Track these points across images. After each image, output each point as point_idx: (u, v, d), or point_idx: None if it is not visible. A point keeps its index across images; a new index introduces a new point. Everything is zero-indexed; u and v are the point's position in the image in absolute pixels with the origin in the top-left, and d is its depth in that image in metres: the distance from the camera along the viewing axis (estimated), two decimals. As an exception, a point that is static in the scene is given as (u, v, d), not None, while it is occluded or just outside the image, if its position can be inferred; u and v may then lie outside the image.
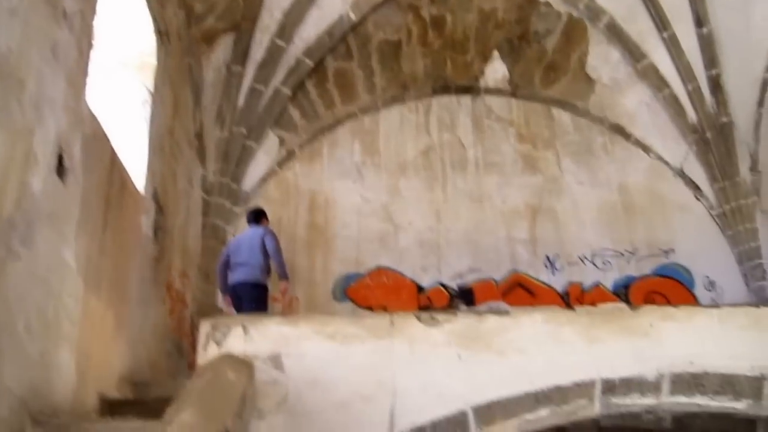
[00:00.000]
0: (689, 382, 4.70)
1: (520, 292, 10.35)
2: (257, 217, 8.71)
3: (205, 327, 4.83)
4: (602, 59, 11.27)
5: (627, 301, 10.18)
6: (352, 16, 10.63)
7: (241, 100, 10.24)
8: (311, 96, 11.12)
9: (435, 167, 11.29)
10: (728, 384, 4.69)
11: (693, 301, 10.22)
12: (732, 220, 10.48)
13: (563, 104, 11.78)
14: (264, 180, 10.80)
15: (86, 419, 5.46)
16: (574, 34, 11.15)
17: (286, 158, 11.09)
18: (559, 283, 10.54)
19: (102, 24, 6.52)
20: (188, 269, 9.26)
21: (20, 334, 4.45)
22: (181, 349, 8.78)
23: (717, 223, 10.70)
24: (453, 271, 10.57)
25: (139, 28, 7.49)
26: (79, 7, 5.60)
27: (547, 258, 10.72)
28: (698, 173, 10.91)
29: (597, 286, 10.48)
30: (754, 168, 10.26)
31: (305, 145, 11.25)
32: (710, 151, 10.62)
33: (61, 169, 5.23)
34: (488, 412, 4.52)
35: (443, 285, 10.50)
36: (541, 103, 11.82)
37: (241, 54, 10.02)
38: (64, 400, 5.29)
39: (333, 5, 10.46)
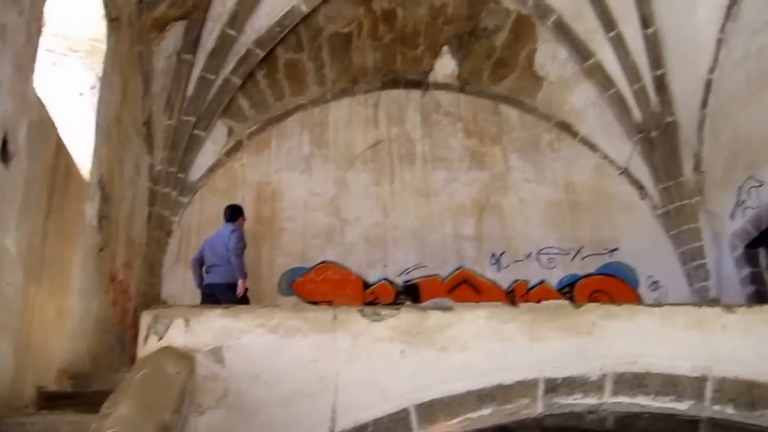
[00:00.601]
0: (632, 382, 4.67)
1: (466, 288, 10.40)
2: (232, 214, 8.79)
3: (146, 318, 4.68)
4: (550, 57, 11.37)
5: (572, 299, 10.23)
6: (304, 8, 10.53)
7: (190, 89, 10.14)
8: (261, 86, 11.04)
9: (383, 161, 11.30)
10: (670, 384, 4.68)
11: (637, 300, 10.38)
12: (676, 219, 10.61)
13: (511, 101, 11.86)
14: (211, 170, 10.73)
15: (23, 412, 5.34)
16: (522, 31, 11.21)
17: (234, 148, 11.01)
18: (504, 280, 10.60)
19: (52, 8, 6.38)
20: (133, 260, 9.15)
21: (-44, 322, 4.33)
22: (123, 342, 8.64)
23: (661, 223, 10.83)
24: (399, 267, 10.59)
25: (89, 13, 7.37)
26: (29, -9, 5.48)
27: (493, 255, 10.78)
28: (643, 172, 11.04)
29: (542, 283, 10.58)
30: (697, 168, 10.35)
31: (254, 136, 11.18)
32: (655, 150, 10.75)
33: (4, 153, 5.13)
34: (430, 410, 4.47)
35: (389, 281, 10.52)
36: (489, 99, 11.89)
37: (191, 42, 9.89)
38: (1, 392, 5.16)
39: (285, -4, 10.37)
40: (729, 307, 5.00)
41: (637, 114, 10.80)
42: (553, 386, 4.64)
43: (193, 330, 4.62)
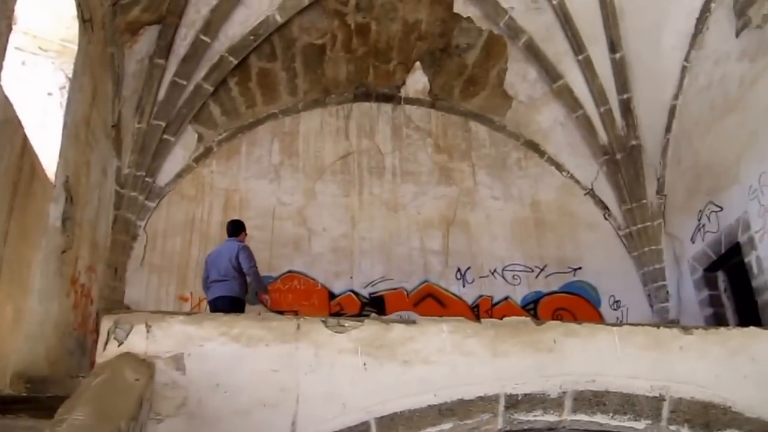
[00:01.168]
0: (591, 400, 4.73)
1: (431, 302, 10.44)
2: (235, 229, 8.70)
3: (106, 323, 4.62)
4: (520, 77, 11.50)
5: (536, 316, 10.35)
6: (278, 18, 10.51)
7: (161, 93, 10.10)
8: (233, 93, 11.02)
9: (352, 173, 11.34)
10: (628, 403, 4.75)
11: (599, 319, 10.48)
12: (638, 241, 10.78)
13: (480, 118, 12.01)
14: (179, 175, 10.69)
15: (-26, 416, 5.23)
16: (494, 50, 11.33)
17: (204, 154, 10.99)
18: (469, 295, 10.66)
19: (23, 6, 6.31)
20: (96, 263, 9.02)
21: None
22: (84, 347, 8.51)
23: (624, 244, 11.00)
24: (365, 279, 10.60)
25: (61, 13, 7.26)
26: (0, -11, 5.40)
27: (459, 270, 10.85)
28: (607, 193, 11.22)
29: (506, 300, 10.66)
30: (660, 191, 10.53)
31: (224, 143, 11.17)
32: (619, 172, 10.92)
33: (-32, 152, 5.04)
34: (391, 423, 4.48)
35: (355, 292, 10.52)
36: (459, 116, 12.04)
37: (164, 47, 9.85)
38: (-48, 395, 5.06)
39: (260, 5, 10.35)
40: (686, 329, 5.11)
41: (603, 136, 10.97)
42: (514, 402, 4.68)
43: (154, 336, 4.58)
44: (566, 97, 11.09)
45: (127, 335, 4.57)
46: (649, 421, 4.75)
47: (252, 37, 10.52)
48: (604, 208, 11.27)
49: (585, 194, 11.48)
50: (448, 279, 10.76)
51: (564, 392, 4.72)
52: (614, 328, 5.09)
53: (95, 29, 7.97)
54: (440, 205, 11.31)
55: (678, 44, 9.66)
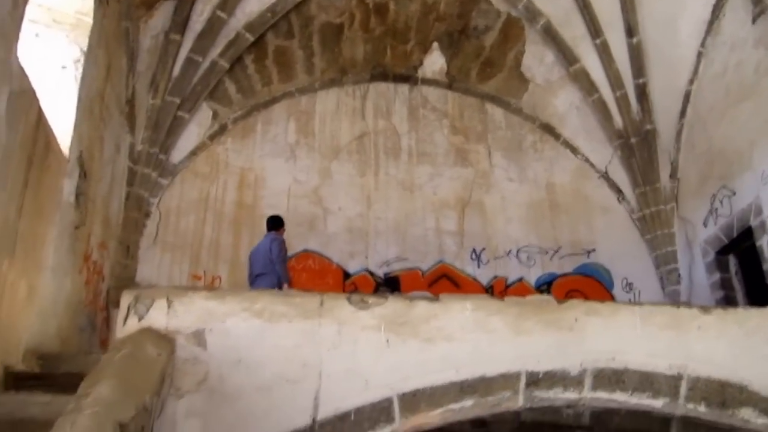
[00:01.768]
0: (611, 378, 4.71)
1: (445, 283, 10.40)
2: (274, 224, 8.75)
3: (127, 298, 4.55)
4: (537, 60, 11.45)
5: (549, 297, 10.31)
6: (297, -4, 10.44)
7: (176, 70, 10.04)
8: (249, 71, 10.95)
9: (368, 153, 11.29)
10: (647, 381, 4.73)
11: (611, 301, 10.42)
12: (651, 224, 10.79)
13: (497, 100, 11.97)
14: (193, 153, 10.63)
15: (-7, 391, 5.21)
16: (511, 32, 11.27)
17: (218, 132, 10.93)
18: (484, 276, 10.65)
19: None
20: (108, 240, 8.98)
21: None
22: (94, 325, 8.47)
23: (637, 227, 11.00)
24: (380, 259, 10.59)
25: (78, -14, 7.19)
26: (17, -41, 5.34)
27: (474, 251, 10.83)
28: (621, 177, 11.20)
29: (521, 281, 10.65)
30: (673, 176, 10.57)
31: (239, 120, 11.11)
32: (634, 156, 10.91)
33: (-16, 122, 4.99)
34: (413, 400, 4.44)
35: (370, 272, 10.51)
36: (475, 98, 11.98)
37: (180, 22, 9.78)
38: (-36, 370, 5.03)
39: (278, -18, 10.27)
40: (705, 309, 5.09)
41: (618, 120, 10.94)
42: (535, 380, 4.65)
43: (175, 311, 4.52)
44: (583, 80, 11.04)
45: (148, 310, 4.51)
46: (667, 399, 4.74)
47: (269, 14, 10.46)
48: (618, 191, 11.26)
49: (599, 177, 11.45)
50: (463, 260, 10.74)
51: (584, 370, 4.70)
52: (635, 307, 5.05)
53: (110, 2, 7.90)
54: (456, 186, 11.28)
55: (694, 30, 9.66)
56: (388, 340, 4.57)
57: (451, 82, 11.92)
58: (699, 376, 4.77)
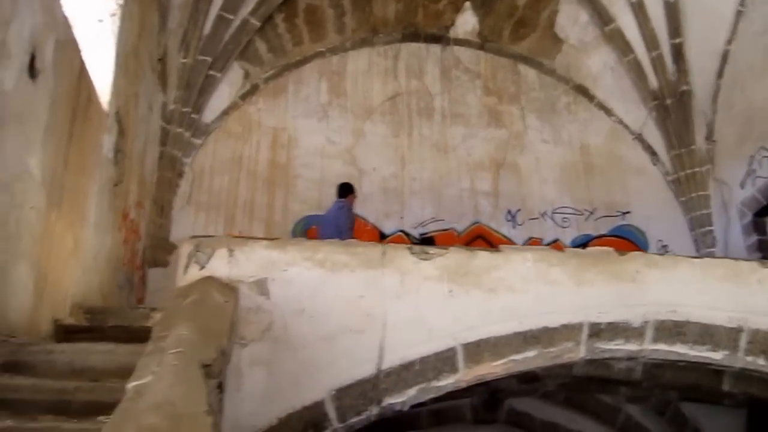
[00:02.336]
0: (671, 330, 4.66)
1: (481, 243, 10.28)
2: (343, 191, 8.80)
3: (187, 247, 4.51)
4: (571, 19, 11.30)
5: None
6: (328, -48, 10.31)
7: (207, 27, 9.92)
8: (279, 30, 10.83)
9: (401, 113, 11.19)
10: (707, 334, 4.69)
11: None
12: (686, 186, 10.71)
13: (530, 61, 11.83)
14: (225, 113, 10.56)
15: (47, 341, 5.22)
16: (545, -9, 11.10)
17: (250, 92, 10.84)
18: (519, 237, 10.59)
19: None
20: (143, 199, 8.96)
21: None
22: (132, 284, 8.50)
23: (671, 189, 10.93)
24: (415, 220, 10.53)
25: (113, -61, 7.08)
26: None
27: (509, 212, 10.78)
28: (656, 139, 11.09)
29: (556, 242, 10.52)
30: (709, 137, 10.44)
31: (270, 80, 11.00)
32: (669, 118, 10.78)
33: (32, 69, 4.97)
34: (477, 350, 4.41)
35: (405, 232, 10.45)
36: (508, 58, 11.84)
37: (211, -22, 9.63)
38: (19, 321, 5.04)
39: (310, -62, 10.13)
40: (764, 263, 5.04)
41: (653, 81, 10.79)
42: (597, 331, 4.60)
43: (236, 260, 4.48)
44: (617, 41, 10.89)
45: (209, 259, 4.47)
46: (727, 352, 4.70)
47: (300, -28, 10.34)
48: (653, 153, 11.16)
49: (633, 139, 11.35)
50: (498, 220, 10.69)
51: (646, 322, 4.65)
52: (696, 260, 5.03)
53: (143, -44, 7.81)
54: (489, 148, 11.19)
55: (734, -11, 9.49)
56: (450, 291, 4.53)
57: (484, 42, 11.76)
58: (759, 328, 4.71)
